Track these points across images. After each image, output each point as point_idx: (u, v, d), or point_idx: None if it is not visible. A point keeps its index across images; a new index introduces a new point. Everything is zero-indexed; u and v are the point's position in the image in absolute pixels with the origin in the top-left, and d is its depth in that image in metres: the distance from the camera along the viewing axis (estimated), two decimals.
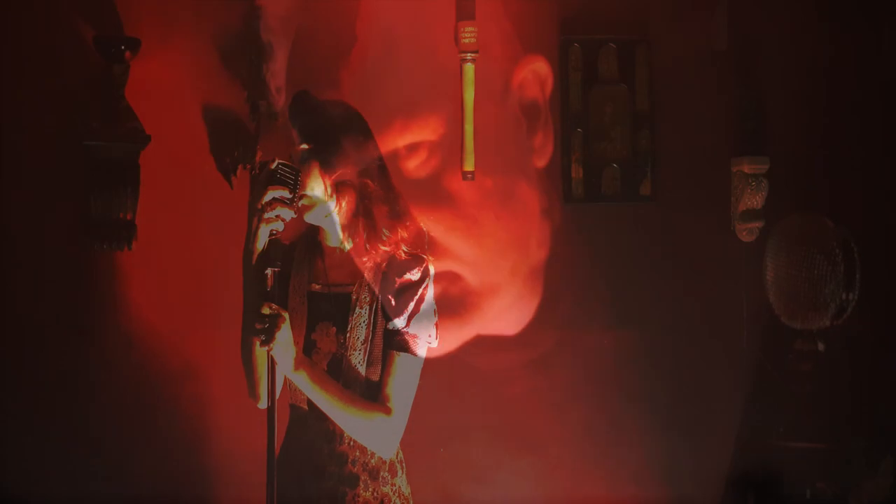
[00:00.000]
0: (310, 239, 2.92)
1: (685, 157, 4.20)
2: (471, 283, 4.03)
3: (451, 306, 4.00)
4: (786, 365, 4.07)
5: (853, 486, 3.93)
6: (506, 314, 4.08)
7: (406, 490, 2.89)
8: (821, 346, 3.99)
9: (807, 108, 4.21)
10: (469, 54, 4.02)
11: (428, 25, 4.02)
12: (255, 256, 2.71)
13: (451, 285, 4.02)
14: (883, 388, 4.03)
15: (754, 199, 4.13)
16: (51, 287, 3.81)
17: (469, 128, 4.03)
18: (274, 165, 2.73)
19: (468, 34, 4.01)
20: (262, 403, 2.77)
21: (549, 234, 4.13)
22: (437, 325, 2.83)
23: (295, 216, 2.75)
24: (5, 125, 3.80)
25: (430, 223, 2.95)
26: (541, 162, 4.13)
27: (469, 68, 4.03)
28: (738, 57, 4.19)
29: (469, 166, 4.04)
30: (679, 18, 4.20)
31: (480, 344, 4.04)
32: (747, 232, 4.17)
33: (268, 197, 2.70)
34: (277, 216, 2.71)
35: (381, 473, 2.83)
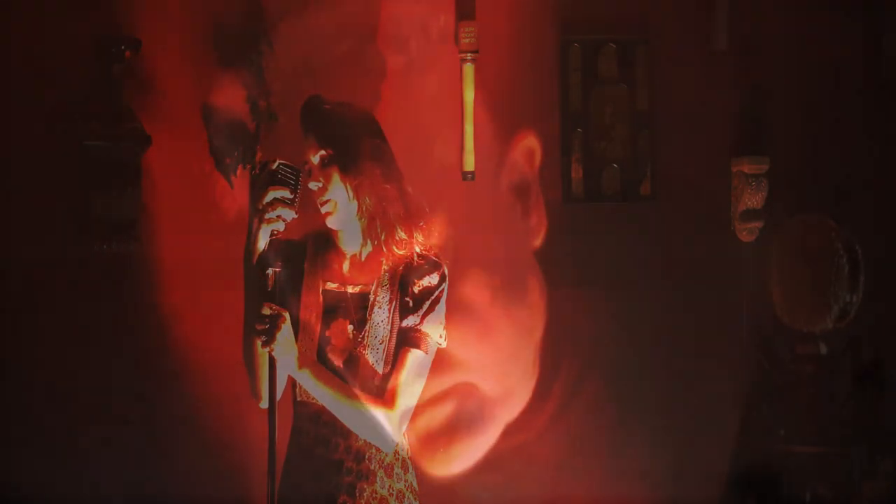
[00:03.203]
0: (323, 237, 2.93)
1: (685, 157, 4.20)
2: (488, 392, 4.05)
3: (471, 423, 4.04)
4: (787, 367, 4.07)
5: (854, 488, 3.93)
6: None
7: (416, 485, 2.92)
8: (822, 349, 3.99)
9: (807, 108, 4.21)
10: (469, 54, 4.02)
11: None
12: (255, 257, 2.72)
13: (467, 399, 4.05)
14: (885, 391, 4.04)
15: (754, 199, 4.13)
16: (52, 288, 3.81)
17: (469, 128, 4.03)
18: (275, 166, 2.73)
19: (468, 34, 4.01)
20: (264, 403, 2.78)
21: (546, 310, 4.13)
22: (444, 326, 2.86)
23: (296, 216, 2.76)
24: (5, 125, 3.80)
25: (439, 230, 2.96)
26: (537, 242, 4.13)
27: (469, 68, 4.03)
28: (738, 57, 4.19)
29: (469, 166, 4.05)
30: (679, 18, 4.20)
31: None
32: (747, 232, 4.17)
33: (268, 197, 2.71)
34: (278, 216, 2.72)
35: (396, 470, 2.86)
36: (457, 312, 3.55)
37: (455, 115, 4.04)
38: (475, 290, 4.01)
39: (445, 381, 3.99)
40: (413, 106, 4.02)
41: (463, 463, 3.97)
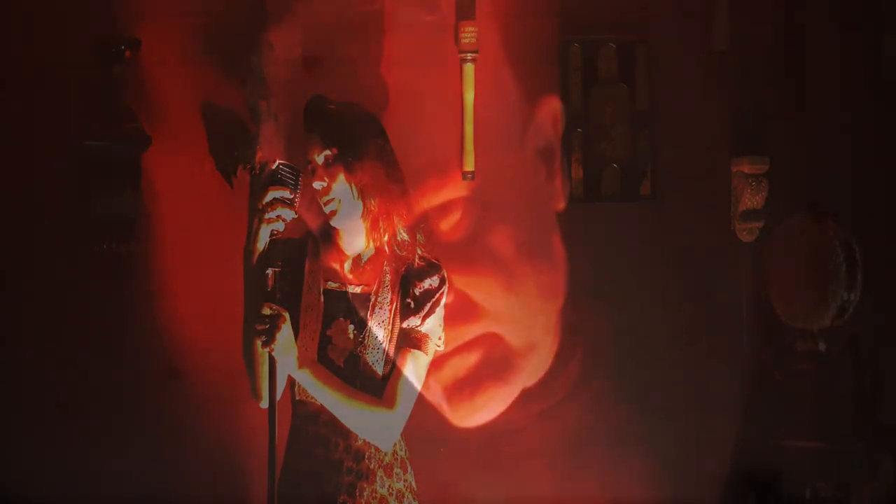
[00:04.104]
0: (324, 237, 2.93)
1: (685, 157, 4.19)
2: (512, 343, 4.06)
3: (496, 372, 4.06)
4: (786, 365, 4.07)
5: (854, 486, 3.93)
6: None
7: (415, 485, 2.93)
8: (821, 347, 3.99)
9: (807, 108, 4.21)
10: (469, 54, 4.02)
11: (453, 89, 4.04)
12: (255, 257, 2.73)
13: (493, 349, 4.06)
14: (884, 388, 4.04)
15: (754, 199, 4.13)
16: (51, 287, 3.81)
17: (469, 128, 4.03)
18: (275, 166, 2.75)
19: (468, 34, 4.01)
20: (264, 403, 2.78)
21: (567, 274, 4.14)
22: (443, 330, 2.87)
23: (296, 216, 2.77)
24: (5, 125, 3.80)
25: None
26: (561, 205, 4.14)
27: (469, 68, 4.03)
28: (738, 57, 4.19)
29: (469, 166, 4.05)
30: (679, 18, 4.20)
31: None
32: (747, 232, 4.17)
33: (268, 197, 2.72)
34: (278, 216, 2.73)
35: (395, 469, 2.87)
36: (483, 264, 3.54)
37: (455, 115, 4.04)
38: (502, 243, 4.02)
39: (472, 331, 4.01)
40: (413, 106, 4.02)
41: (487, 414, 3.98)
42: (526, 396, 4.08)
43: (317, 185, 2.83)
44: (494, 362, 4.06)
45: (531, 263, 4.07)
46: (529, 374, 4.07)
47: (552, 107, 4.11)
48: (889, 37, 4.21)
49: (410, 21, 4.00)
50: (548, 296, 4.09)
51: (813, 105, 4.20)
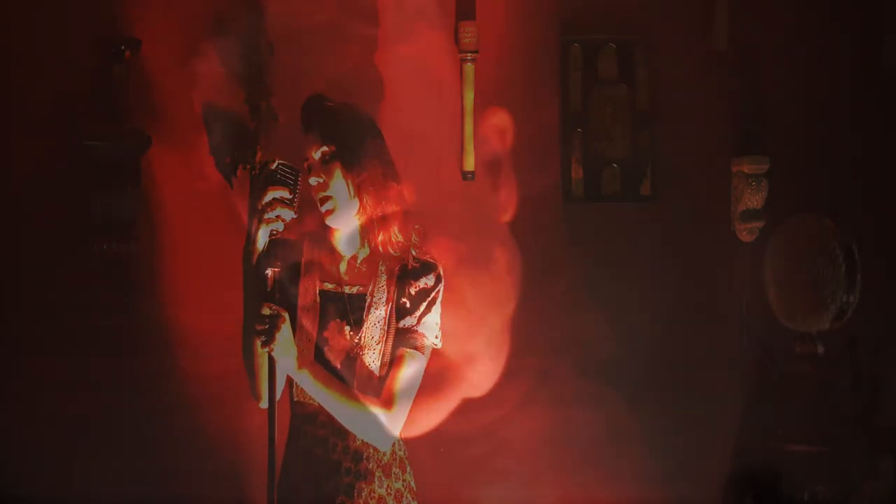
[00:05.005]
0: (320, 238, 2.93)
1: (685, 157, 4.19)
2: (448, 356, 4.02)
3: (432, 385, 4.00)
4: (785, 367, 4.07)
5: (853, 487, 3.93)
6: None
7: (414, 485, 2.93)
8: (820, 349, 3.98)
9: (807, 108, 4.21)
10: (469, 54, 4.02)
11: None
12: (255, 257, 2.73)
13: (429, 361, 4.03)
14: (883, 390, 4.04)
15: (754, 199, 4.13)
16: (51, 288, 3.82)
17: (469, 128, 4.03)
18: (274, 166, 2.75)
19: (468, 34, 4.01)
20: (264, 403, 2.79)
21: (520, 288, 4.11)
22: (440, 327, 2.87)
23: (295, 216, 2.77)
24: (5, 125, 3.80)
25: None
26: (506, 217, 4.12)
27: (469, 68, 4.03)
28: (738, 57, 4.19)
29: (469, 166, 4.05)
30: (679, 18, 4.20)
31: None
32: (747, 232, 4.17)
33: (268, 197, 2.72)
34: (277, 217, 2.73)
35: (394, 469, 2.87)
36: None
37: (455, 115, 4.04)
38: (440, 256, 3.99)
39: None
40: (413, 106, 4.02)
41: (422, 426, 3.94)
42: (525, 397, 4.08)
43: (313, 180, 2.83)
44: (429, 376, 4.01)
45: (472, 277, 4.04)
46: (471, 385, 4.02)
47: (497, 120, 4.09)
48: (889, 37, 4.21)
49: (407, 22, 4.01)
50: (491, 307, 4.06)
51: (813, 105, 4.20)
